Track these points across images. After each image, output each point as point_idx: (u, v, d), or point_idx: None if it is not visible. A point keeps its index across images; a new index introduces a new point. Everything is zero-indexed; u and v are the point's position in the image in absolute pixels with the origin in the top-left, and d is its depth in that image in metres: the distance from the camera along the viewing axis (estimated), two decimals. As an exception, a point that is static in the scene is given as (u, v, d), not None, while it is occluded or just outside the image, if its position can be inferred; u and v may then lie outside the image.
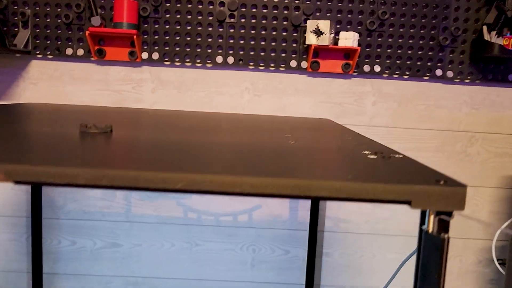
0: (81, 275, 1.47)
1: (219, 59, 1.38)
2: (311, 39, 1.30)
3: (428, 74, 1.39)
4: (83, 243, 1.45)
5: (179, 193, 0.37)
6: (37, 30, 1.36)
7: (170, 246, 1.46)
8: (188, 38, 1.37)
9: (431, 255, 0.37)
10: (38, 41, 1.36)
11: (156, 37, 1.36)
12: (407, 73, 1.38)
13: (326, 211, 1.46)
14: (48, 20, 1.35)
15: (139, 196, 1.44)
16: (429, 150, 1.44)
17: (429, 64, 1.38)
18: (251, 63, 1.38)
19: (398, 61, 1.38)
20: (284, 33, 1.37)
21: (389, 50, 1.37)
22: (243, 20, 1.36)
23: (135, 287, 1.47)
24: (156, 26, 1.36)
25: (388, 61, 1.38)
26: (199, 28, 1.36)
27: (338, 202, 1.44)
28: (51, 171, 0.37)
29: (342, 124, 1.43)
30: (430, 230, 0.37)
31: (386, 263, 1.48)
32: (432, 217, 0.37)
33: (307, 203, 1.44)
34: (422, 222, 0.38)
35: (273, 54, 1.38)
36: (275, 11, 1.36)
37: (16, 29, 1.35)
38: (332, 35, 1.32)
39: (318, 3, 1.35)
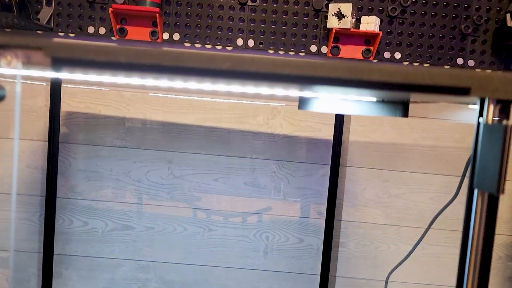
0: (91, 257, 1.44)
1: (239, 41, 1.38)
2: (333, 22, 1.29)
3: (449, 63, 1.37)
4: (95, 224, 1.43)
5: (224, 78, 0.35)
6: (60, 8, 1.37)
7: (183, 230, 1.44)
8: (210, 21, 1.37)
9: (491, 148, 0.35)
10: (60, 19, 1.37)
11: (178, 18, 1.37)
12: (428, 61, 1.37)
13: (343, 200, 1.43)
14: (72, -2, 1.36)
15: (153, 178, 1.42)
16: (448, 141, 1.42)
17: (450, 53, 1.37)
18: (271, 47, 1.38)
19: (419, 49, 1.37)
20: (305, 18, 1.37)
21: (410, 38, 1.37)
22: (264, 3, 1.37)
23: (145, 271, 1.45)
24: (178, 7, 1.37)
25: (408, 48, 1.37)
26: (221, 11, 1.37)
27: (355, 188, 1.42)
28: (92, 46, 0.36)
29: (361, 111, 1.41)
30: (490, 121, 0.35)
31: (402, 256, 1.45)
32: (491, 107, 0.35)
33: (321, 202, 1.42)
34: (480, 114, 0.36)
35: (293, 39, 1.37)
36: (296, -4, 1.36)
37: (39, 7, 1.36)
38: (354, 19, 1.32)
39: (340, -11, 1.35)
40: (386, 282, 1.05)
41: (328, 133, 1.41)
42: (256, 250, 1.45)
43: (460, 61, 1.37)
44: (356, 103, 0.58)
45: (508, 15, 1.30)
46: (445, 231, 1.44)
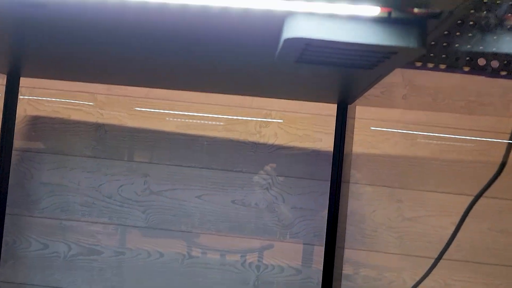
0: (50, 287, 1.22)
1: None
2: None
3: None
4: (57, 248, 1.23)
5: None
6: None
7: (159, 256, 1.22)
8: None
9: None
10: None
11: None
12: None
13: (347, 222, 1.21)
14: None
15: (126, 194, 1.23)
16: (472, 154, 1.21)
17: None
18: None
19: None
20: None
21: (423, 35, 1.20)
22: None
23: (112, 305, 1.22)
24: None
25: (421, 47, 1.20)
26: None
27: (362, 210, 1.20)
28: None
29: (367, 119, 1.23)
30: None
31: (421, 294, 1.20)
32: None
33: (323, 226, 1.20)
34: None
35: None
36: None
37: None
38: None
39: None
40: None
41: (330, 144, 1.21)
42: (244, 282, 1.21)
43: (481, 61, 1.19)
44: (348, 23, 0.39)
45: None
46: (476, 265, 1.20)
